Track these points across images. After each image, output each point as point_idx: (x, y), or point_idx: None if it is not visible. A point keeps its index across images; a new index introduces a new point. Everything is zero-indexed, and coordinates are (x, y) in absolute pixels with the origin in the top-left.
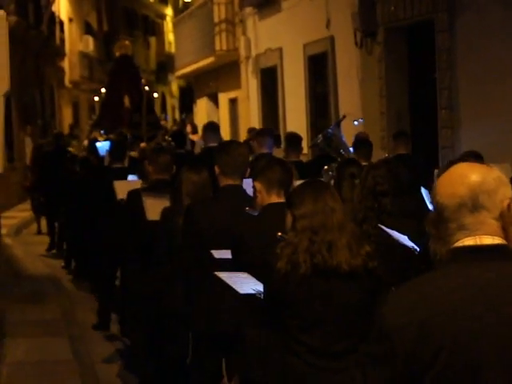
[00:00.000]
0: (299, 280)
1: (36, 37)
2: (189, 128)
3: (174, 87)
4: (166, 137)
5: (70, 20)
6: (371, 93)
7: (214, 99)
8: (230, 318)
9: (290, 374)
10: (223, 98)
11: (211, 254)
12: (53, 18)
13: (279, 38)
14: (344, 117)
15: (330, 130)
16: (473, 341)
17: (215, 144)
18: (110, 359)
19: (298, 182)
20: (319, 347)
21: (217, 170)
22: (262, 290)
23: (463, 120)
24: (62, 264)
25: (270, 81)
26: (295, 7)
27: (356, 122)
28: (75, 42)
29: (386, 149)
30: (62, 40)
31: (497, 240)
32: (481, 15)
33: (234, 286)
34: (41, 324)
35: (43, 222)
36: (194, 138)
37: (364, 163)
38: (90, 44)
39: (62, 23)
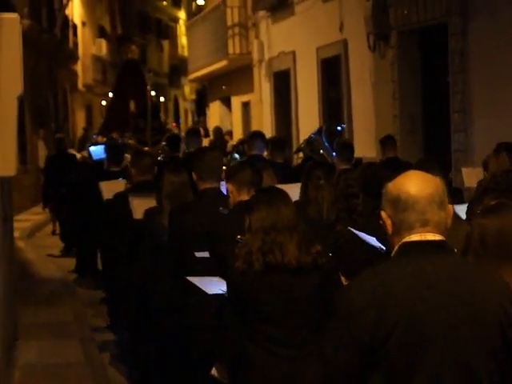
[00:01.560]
0: (253, 277)
1: (49, 40)
2: (201, 131)
3: (187, 90)
4: None
5: (84, 23)
6: (384, 96)
7: (227, 103)
8: (211, 312)
9: (253, 362)
10: (236, 102)
11: (193, 254)
12: (66, 22)
13: (292, 42)
14: (326, 123)
15: (312, 136)
16: (421, 320)
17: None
18: (122, 362)
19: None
20: (277, 337)
21: (194, 175)
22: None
23: (476, 123)
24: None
25: (282, 84)
26: (308, 11)
27: (339, 128)
28: (88, 46)
29: (399, 151)
30: (76, 43)
31: (437, 236)
32: (494, 19)
33: (202, 288)
34: (53, 326)
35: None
36: (206, 142)
37: (346, 166)
38: (103, 47)
39: (75, 27)
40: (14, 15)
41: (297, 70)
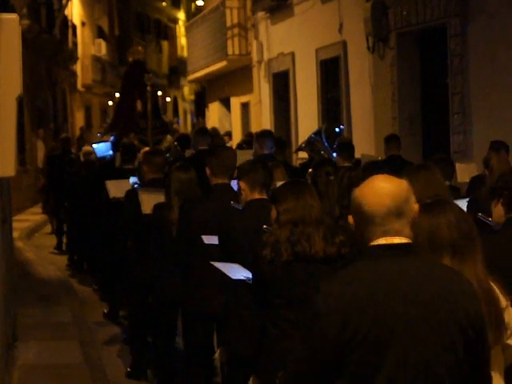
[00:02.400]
0: (281, 265)
1: (48, 41)
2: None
3: (186, 91)
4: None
5: (83, 24)
6: (383, 97)
7: (226, 103)
8: (218, 300)
9: (275, 346)
10: (235, 103)
11: (201, 239)
12: (65, 22)
13: (291, 43)
14: (324, 124)
15: (312, 136)
16: (385, 319)
17: (205, 147)
18: (121, 363)
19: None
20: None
21: (208, 171)
22: (250, 276)
23: (475, 125)
24: (67, 263)
25: (282, 85)
26: (308, 12)
27: (337, 129)
28: (88, 46)
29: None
30: (75, 44)
31: (404, 240)
32: (493, 20)
33: (227, 273)
34: (52, 327)
35: None
36: None
37: (347, 164)
38: (102, 48)
39: (74, 27)
40: (14, 15)
41: (296, 71)
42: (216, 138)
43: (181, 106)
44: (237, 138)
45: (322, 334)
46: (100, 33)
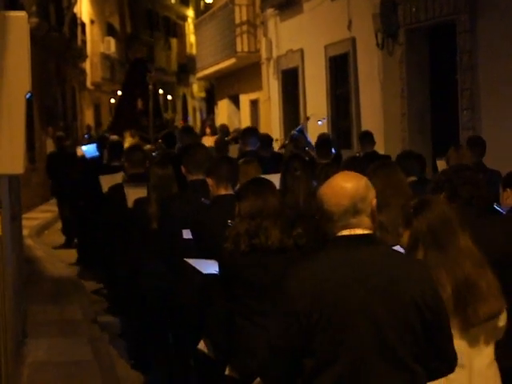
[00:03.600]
0: (240, 256)
1: (58, 38)
2: (208, 130)
3: (196, 89)
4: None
5: (92, 22)
6: (392, 94)
7: (235, 101)
8: (193, 294)
9: (241, 333)
10: (244, 100)
11: (181, 233)
12: (74, 20)
13: (300, 40)
14: (308, 118)
15: (295, 133)
16: (347, 302)
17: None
18: (130, 360)
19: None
20: (261, 309)
21: (183, 168)
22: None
23: (484, 121)
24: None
25: (291, 82)
26: (317, 8)
27: (320, 122)
28: (97, 44)
29: (407, 148)
30: (84, 42)
31: (366, 231)
32: (502, 16)
33: (199, 268)
34: (62, 324)
35: None
36: (211, 140)
37: (324, 161)
38: (111, 46)
39: (83, 25)
40: (22, 13)
41: (305, 67)
42: (224, 135)
43: (190, 103)
44: None
45: (294, 315)
46: (109, 30)
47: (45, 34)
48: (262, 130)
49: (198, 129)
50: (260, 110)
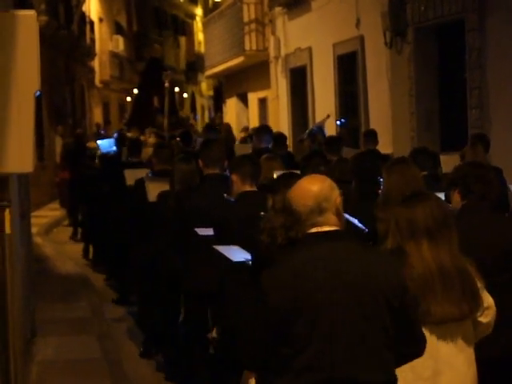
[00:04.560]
0: (277, 249)
1: (66, 37)
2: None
3: (204, 87)
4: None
5: (101, 20)
6: (401, 92)
7: (244, 99)
8: (213, 280)
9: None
10: (253, 98)
11: (195, 232)
12: (83, 18)
13: (309, 38)
14: (328, 116)
15: (315, 128)
16: (316, 295)
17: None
18: (139, 357)
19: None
20: None
21: (200, 162)
22: (249, 257)
23: (493, 119)
24: (81, 253)
25: (299, 80)
26: (325, 7)
27: (339, 122)
28: (105, 42)
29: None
30: (93, 40)
31: (333, 227)
32: (511, 14)
33: (228, 256)
34: (71, 322)
35: None
36: None
37: (334, 158)
38: (120, 44)
39: (92, 23)
40: (31, 12)
41: (313, 66)
42: (227, 134)
43: (198, 101)
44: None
45: (270, 307)
46: (118, 29)
47: (54, 32)
48: (271, 128)
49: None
50: (268, 108)
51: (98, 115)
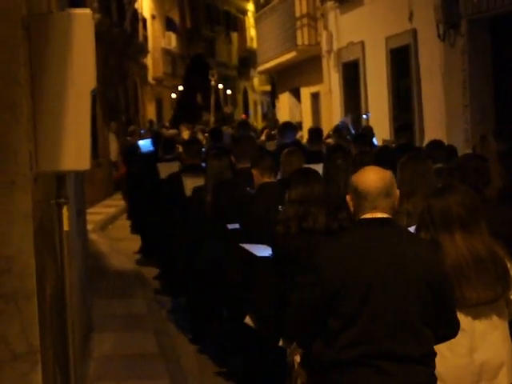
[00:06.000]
0: (291, 238)
1: (119, 34)
2: (264, 134)
3: (256, 82)
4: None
5: (153, 17)
6: (454, 86)
7: (296, 94)
8: (239, 270)
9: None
10: (305, 93)
11: (226, 226)
12: (136, 15)
13: (361, 32)
14: (368, 113)
15: (340, 124)
16: (364, 276)
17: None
18: (195, 352)
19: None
20: None
21: (232, 158)
22: (271, 253)
23: None
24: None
25: (352, 75)
26: (377, 0)
27: (365, 116)
28: (158, 39)
29: (470, 141)
30: (145, 37)
31: (385, 215)
32: None
33: (252, 252)
34: (127, 318)
35: None
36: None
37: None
38: (172, 40)
39: (144, 20)
40: (87, 10)
41: (366, 60)
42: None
43: (251, 97)
44: (308, 128)
45: (319, 283)
46: (170, 25)
47: (106, 30)
48: (324, 122)
49: (258, 123)
50: (321, 102)
51: (151, 112)
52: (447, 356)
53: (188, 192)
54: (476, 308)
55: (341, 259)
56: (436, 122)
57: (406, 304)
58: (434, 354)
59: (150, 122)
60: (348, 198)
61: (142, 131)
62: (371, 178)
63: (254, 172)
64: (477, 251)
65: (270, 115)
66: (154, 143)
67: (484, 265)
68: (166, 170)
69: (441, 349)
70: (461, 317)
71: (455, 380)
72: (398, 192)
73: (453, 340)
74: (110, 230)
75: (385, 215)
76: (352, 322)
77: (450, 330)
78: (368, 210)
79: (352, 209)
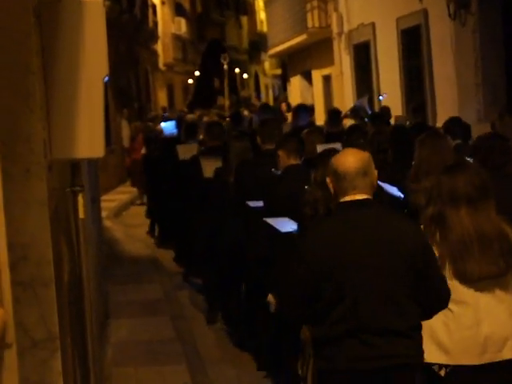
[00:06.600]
0: (319, 219)
1: (129, 21)
2: (284, 106)
3: (267, 66)
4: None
5: (163, 2)
6: (466, 65)
7: (308, 77)
8: (262, 246)
9: None
10: (316, 76)
11: (247, 204)
12: (145, 1)
13: (371, 13)
14: (385, 94)
15: (357, 104)
16: (348, 254)
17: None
18: (212, 336)
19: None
20: None
21: (258, 139)
22: (296, 228)
23: None
24: (147, 230)
25: (363, 56)
26: None
27: (381, 97)
28: (168, 25)
29: (483, 121)
30: (155, 23)
31: (364, 196)
32: None
33: (277, 227)
34: (143, 304)
35: None
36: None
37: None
38: (182, 26)
39: (154, 6)
40: None
41: (377, 41)
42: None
43: (262, 80)
44: (319, 110)
45: (305, 267)
46: (179, 10)
47: (116, 16)
48: (336, 105)
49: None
50: (332, 85)
51: (162, 98)
52: (452, 328)
53: (206, 174)
54: (479, 282)
55: (322, 243)
56: (448, 102)
57: (387, 281)
58: (420, 327)
59: (163, 108)
60: (328, 180)
61: (165, 114)
62: (349, 159)
63: (280, 153)
64: (481, 227)
65: (281, 98)
66: (178, 126)
67: (488, 240)
68: (184, 151)
69: (446, 321)
70: (464, 290)
71: (460, 351)
72: (376, 172)
73: (457, 312)
74: (124, 216)
75: (364, 196)
76: (337, 301)
77: (440, 302)
78: (348, 190)
79: (332, 190)
